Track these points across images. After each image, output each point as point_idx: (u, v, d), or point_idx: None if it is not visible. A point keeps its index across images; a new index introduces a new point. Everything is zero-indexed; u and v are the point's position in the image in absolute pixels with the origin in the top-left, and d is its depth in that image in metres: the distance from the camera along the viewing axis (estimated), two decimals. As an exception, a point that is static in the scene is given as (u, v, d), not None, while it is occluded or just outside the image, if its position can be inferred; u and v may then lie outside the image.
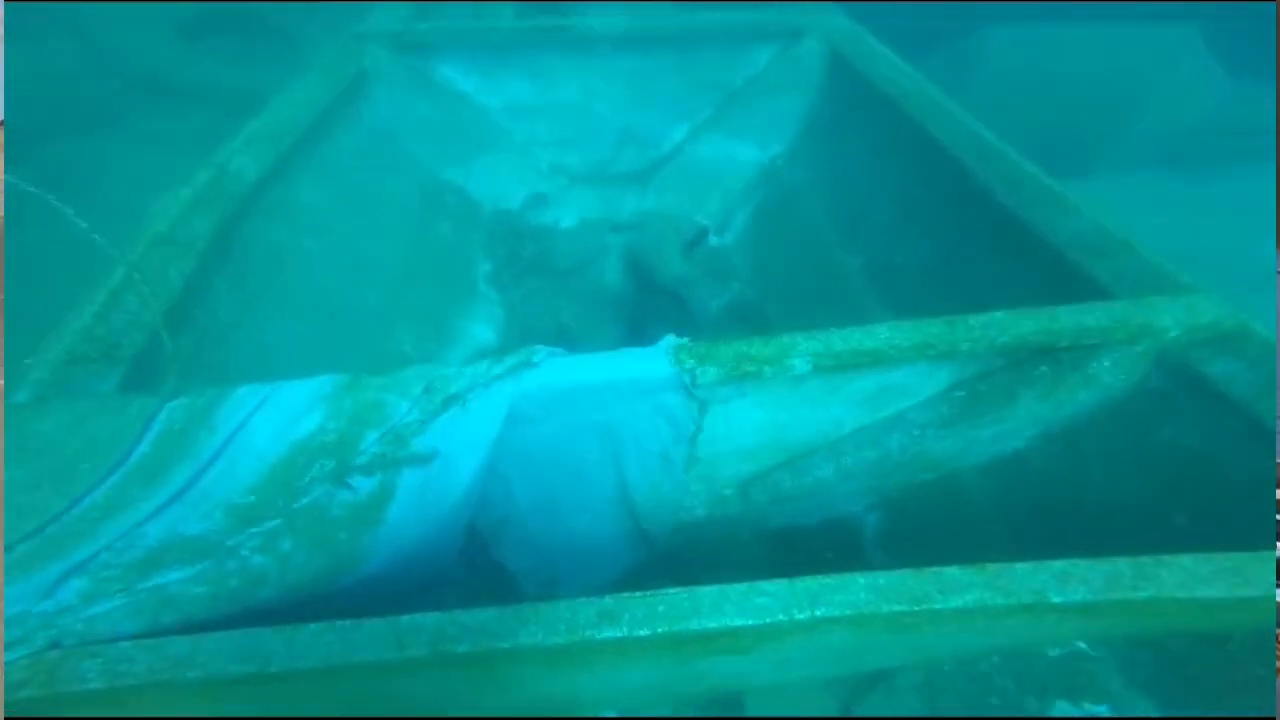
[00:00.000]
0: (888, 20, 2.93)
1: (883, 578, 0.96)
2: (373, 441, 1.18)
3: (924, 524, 1.59)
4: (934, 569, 0.97)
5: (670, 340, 1.33)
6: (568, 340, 2.32)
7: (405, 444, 1.20)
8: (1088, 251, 1.54)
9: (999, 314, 1.32)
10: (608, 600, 0.95)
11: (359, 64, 2.54)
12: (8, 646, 0.83)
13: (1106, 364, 1.35)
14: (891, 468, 1.54)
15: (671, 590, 0.97)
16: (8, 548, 0.93)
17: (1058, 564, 0.95)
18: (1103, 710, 1.27)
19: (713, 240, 2.93)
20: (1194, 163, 3.06)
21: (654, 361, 1.30)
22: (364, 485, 1.17)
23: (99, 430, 1.10)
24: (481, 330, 2.41)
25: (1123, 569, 0.94)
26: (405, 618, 0.90)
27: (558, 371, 1.30)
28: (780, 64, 2.84)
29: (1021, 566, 0.95)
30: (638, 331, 2.32)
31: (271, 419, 1.18)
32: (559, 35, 2.74)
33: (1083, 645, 1.37)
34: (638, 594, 0.96)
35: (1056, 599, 0.92)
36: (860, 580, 0.96)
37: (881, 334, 1.29)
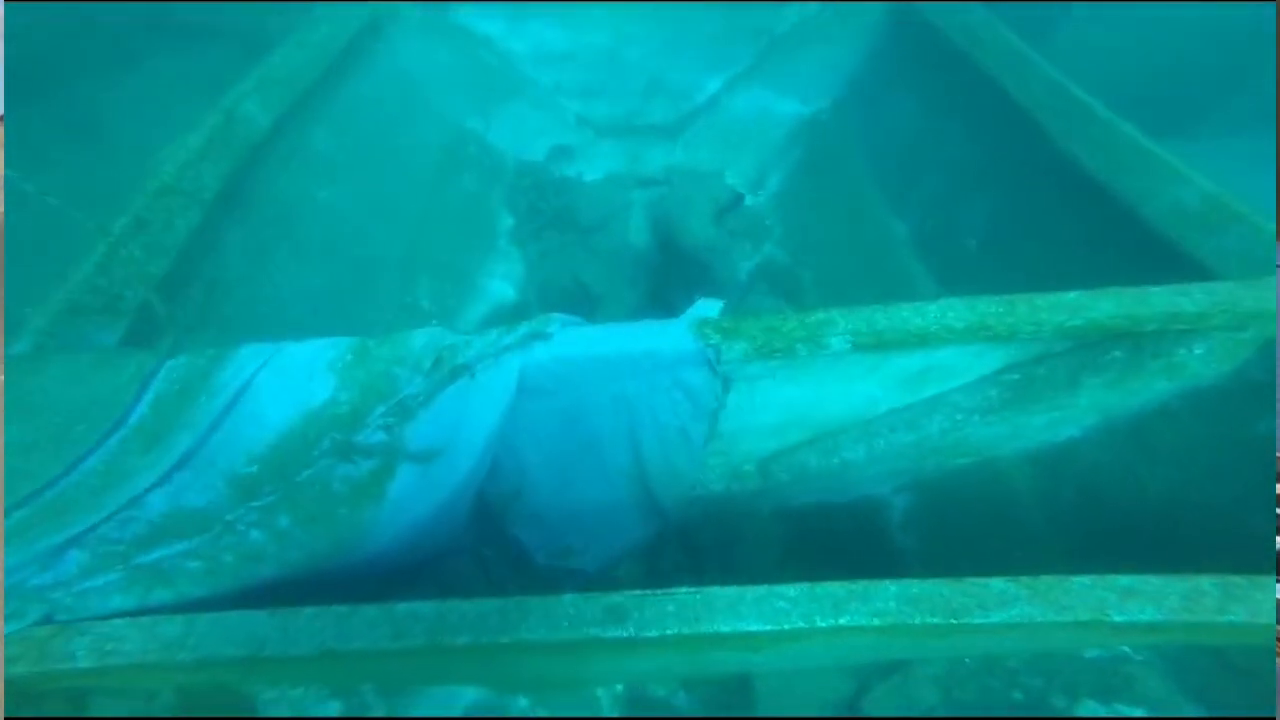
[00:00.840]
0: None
1: (916, 586, 0.89)
2: (379, 414, 1.13)
3: (957, 510, 1.51)
4: (975, 580, 0.88)
5: (695, 311, 1.22)
6: (588, 301, 2.23)
7: (411, 415, 1.15)
8: (1190, 224, 1.37)
9: (1071, 295, 1.16)
10: (615, 597, 0.90)
11: (373, 4, 2.38)
12: (4, 619, 0.81)
13: (1199, 351, 1.21)
14: (927, 451, 1.44)
15: (683, 590, 0.91)
16: (6, 512, 0.91)
17: (1122, 579, 0.85)
18: (1138, 712, 1.20)
19: (746, 199, 2.77)
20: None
21: (675, 335, 1.20)
22: (367, 459, 1.12)
23: (97, 387, 1.06)
24: (500, 286, 2.34)
25: (1207, 588, 0.83)
26: (403, 605, 0.87)
27: (572, 343, 1.21)
28: (835, 7, 2.59)
29: (1079, 581, 0.86)
30: (659, 295, 2.22)
31: (277, 384, 1.13)
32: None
33: (1127, 649, 1.29)
34: (647, 592, 0.91)
35: (1119, 618, 0.82)
36: (891, 588, 0.89)
37: (931, 312, 1.15)
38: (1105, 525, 1.36)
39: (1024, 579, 0.86)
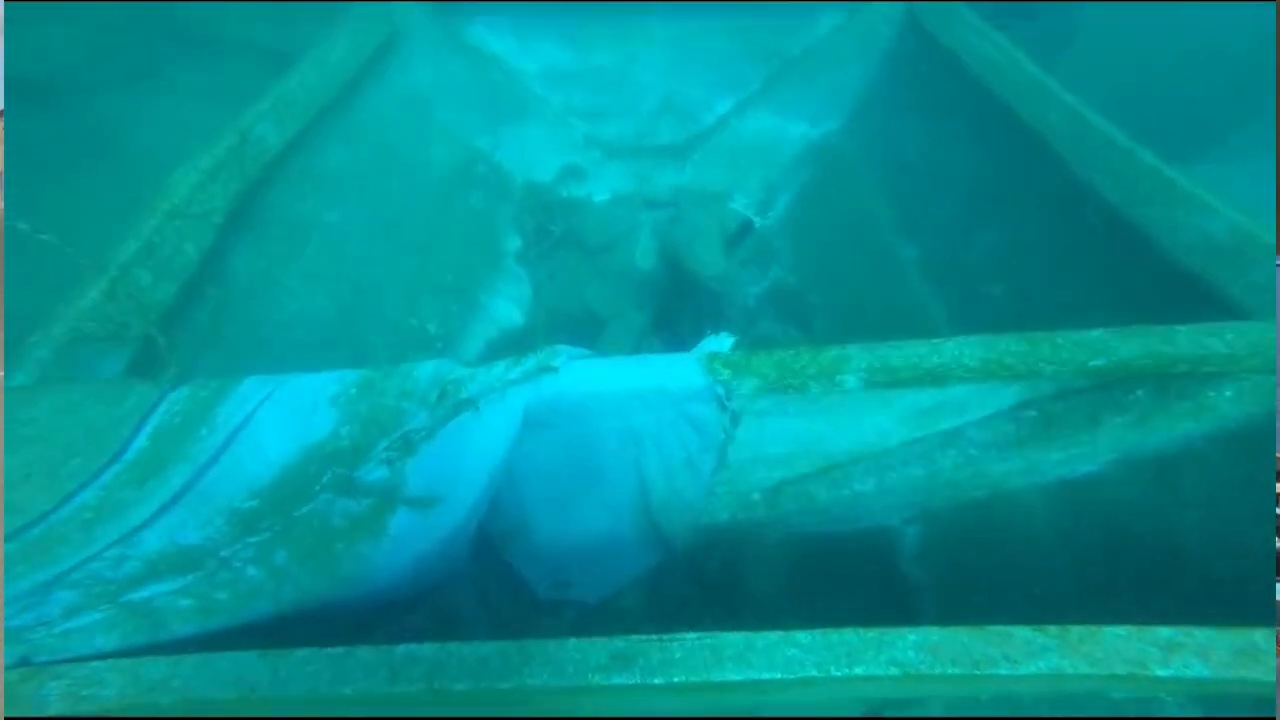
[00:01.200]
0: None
1: (936, 634, 0.84)
2: (381, 449, 1.11)
3: (971, 542, 1.46)
4: (999, 629, 0.83)
5: (705, 346, 1.20)
6: (594, 324, 2.21)
7: (413, 450, 1.13)
8: (1218, 258, 1.32)
9: (1095, 333, 1.12)
10: (619, 642, 0.87)
11: (391, 23, 2.40)
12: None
13: (1229, 394, 1.17)
14: (940, 485, 1.40)
15: (692, 636, 0.88)
16: (-7, 547, 0.88)
17: (1163, 631, 0.79)
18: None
19: (755, 225, 2.76)
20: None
21: (685, 370, 1.18)
22: (368, 494, 1.09)
23: (94, 420, 1.04)
24: (506, 309, 2.32)
25: (1261, 644, 0.77)
26: (400, 648, 0.84)
27: (579, 377, 1.19)
28: (847, 30, 2.59)
29: (1113, 632, 0.80)
30: (666, 320, 2.20)
31: (279, 417, 1.11)
32: (603, -2, 2.54)
33: (1164, 697, 1.23)
34: (653, 638, 0.87)
35: (1161, 673, 0.77)
36: (909, 636, 0.85)
37: (948, 350, 1.13)
38: (1132, 566, 1.31)
39: (1052, 629, 0.82)
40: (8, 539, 0.89)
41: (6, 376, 1.13)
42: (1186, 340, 1.10)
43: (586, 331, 2.18)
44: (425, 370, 1.17)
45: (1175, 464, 1.26)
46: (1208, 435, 1.22)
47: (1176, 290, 1.37)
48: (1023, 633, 0.82)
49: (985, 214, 1.97)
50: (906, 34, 2.46)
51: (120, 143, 3.27)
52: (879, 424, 1.38)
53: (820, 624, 1.55)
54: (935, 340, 1.13)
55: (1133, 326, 1.13)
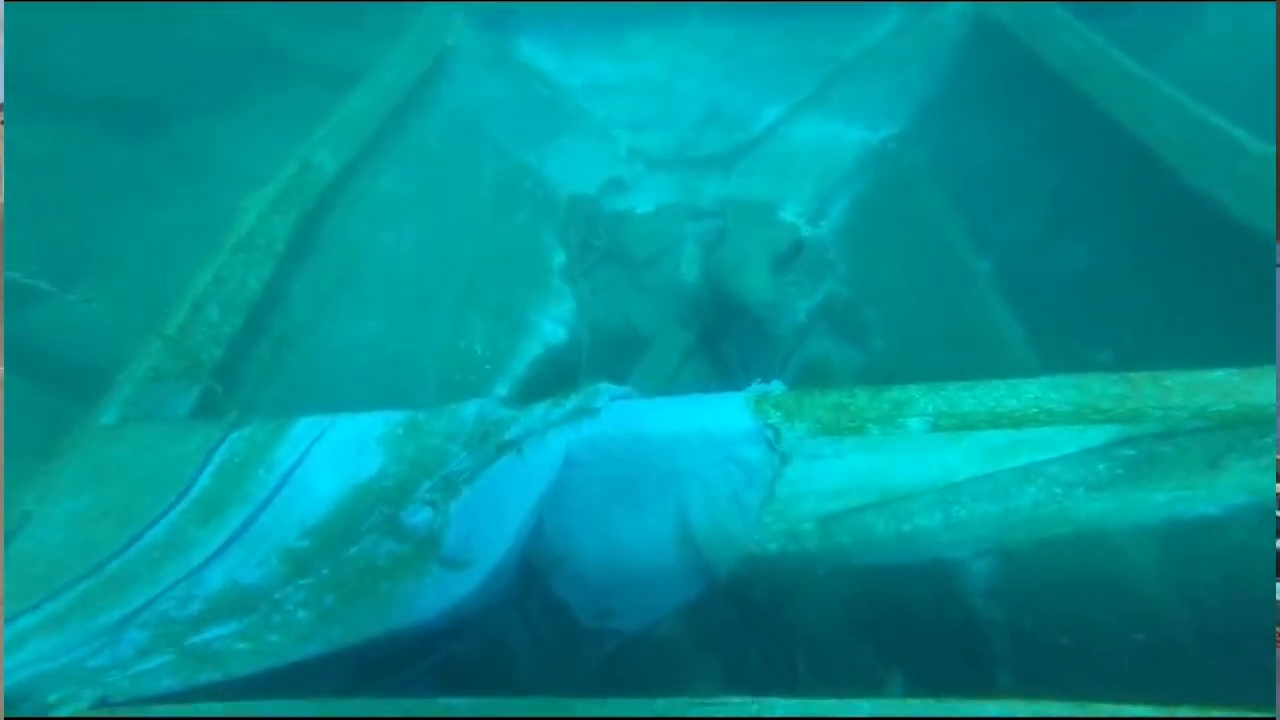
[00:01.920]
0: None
1: (1024, 708, 0.75)
2: (426, 489, 1.13)
3: (1054, 582, 1.30)
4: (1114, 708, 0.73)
5: (753, 390, 1.15)
6: (637, 343, 2.18)
7: (456, 492, 1.14)
8: None
9: (1219, 374, 0.98)
10: (660, 704, 0.84)
11: (443, 41, 2.44)
12: (54, 705, 0.84)
13: None
14: (1016, 523, 1.27)
15: (737, 700, 0.84)
16: (69, 585, 0.94)
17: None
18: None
19: (805, 232, 2.66)
20: None
21: (731, 412, 1.14)
22: (413, 533, 1.12)
23: (165, 459, 1.10)
24: (552, 327, 2.33)
25: None
26: (439, 701, 0.84)
27: (621, 419, 1.18)
28: (910, 31, 2.45)
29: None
30: (711, 340, 2.15)
31: (330, 457, 1.15)
32: (647, 4, 2.49)
33: None
34: (696, 700, 0.85)
35: None
36: (989, 708, 0.76)
37: (1029, 393, 1.01)
38: (1262, 618, 1.14)
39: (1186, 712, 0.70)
40: (85, 575, 0.96)
41: (100, 414, 1.21)
42: None
43: (631, 349, 2.16)
44: (469, 411, 1.19)
45: None
46: None
47: None
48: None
49: (1072, 225, 1.81)
50: (979, 34, 2.30)
51: (208, 165, 3.50)
52: (945, 460, 1.27)
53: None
54: (1014, 380, 1.01)
55: (1267, 366, 0.97)
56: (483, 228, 2.43)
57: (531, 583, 1.43)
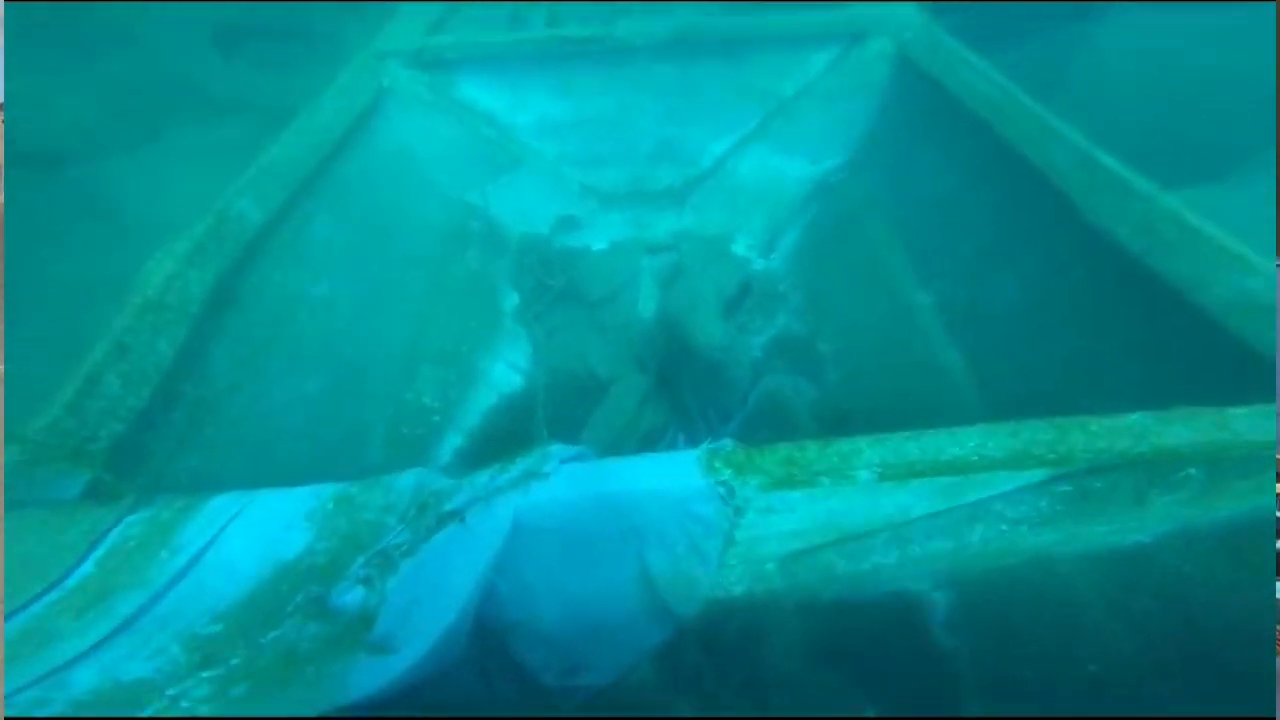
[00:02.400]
0: (964, 12, 2.56)
1: None
2: (359, 566, 1.04)
3: (1011, 610, 1.34)
4: None
5: (704, 447, 1.13)
6: (595, 387, 2.12)
7: (393, 567, 1.06)
8: (1258, 321, 1.21)
9: (1134, 417, 1.04)
10: None
11: (377, 84, 2.36)
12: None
13: None
14: (970, 558, 1.29)
15: None
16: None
17: None
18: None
19: (757, 265, 2.67)
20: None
21: (683, 471, 1.12)
22: (341, 614, 1.02)
23: (39, 548, 0.98)
24: (506, 374, 2.24)
25: None
26: None
27: (572, 482, 1.12)
28: (840, 69, 2.53)
29: None
30: (669, 382, 2.11)
31: (250, 534, 1.05)
32: (593, 47, 2.49)
33: None
34: None
35: None
36: None
37: (970, 441, 1.07)
38: (1203, 643, 1.19)
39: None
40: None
41: None
42: (1244, 425, 1.01)
43: (589, 394, 2.10)
44: (407, 482, 1.11)
45: (1243, 542, 1.14)
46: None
47: (1214, 349, 1.26)
48: None
49: (1002, 260, 1.86)
50: (901, 71, 2.39)
51: (118, 208, 3.29)
52: (898, 500, 1.29)
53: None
54: (955, 430, 1.07)
55: (1177, 409, 1.04)
56: (428, 273, 2.33)
57: (489, 645, 1.35)
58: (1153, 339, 1.40)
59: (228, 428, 1.49)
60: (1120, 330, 1.50)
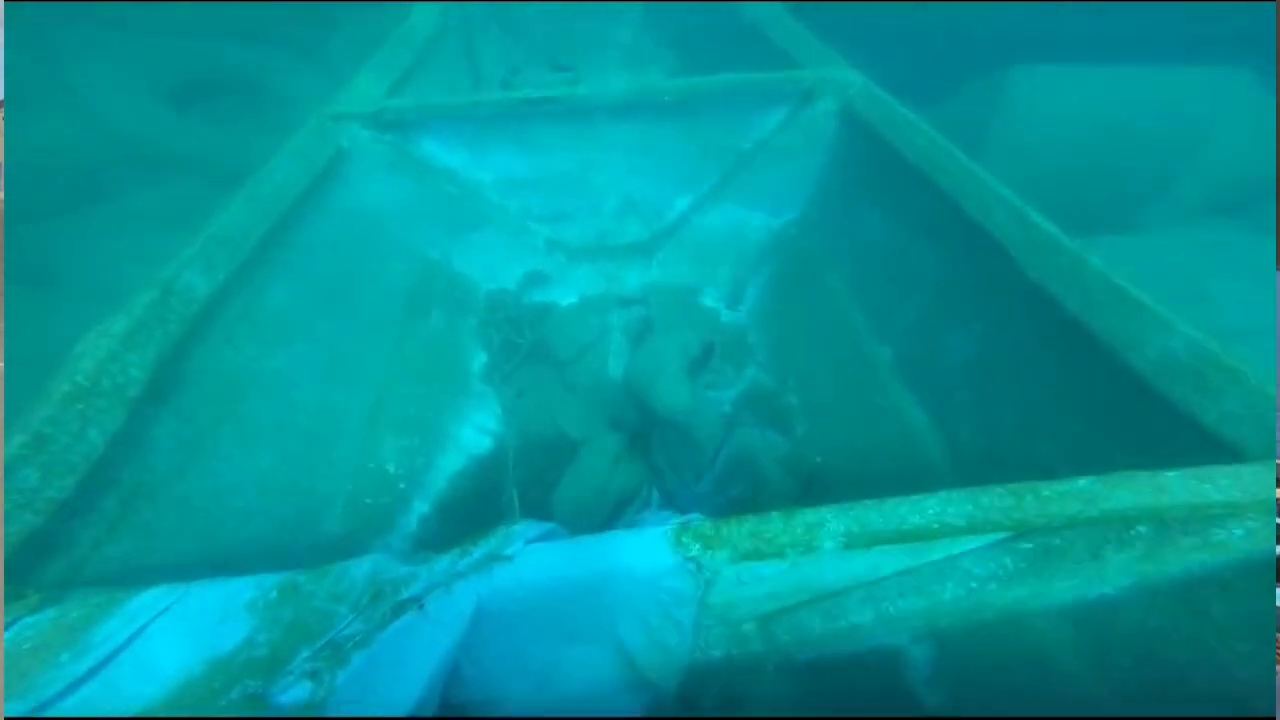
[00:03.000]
0: (901, 66, 2.71)
1: None
2: (305, 658, 0.97)
3: (988, 664, 1.35)
4: None
5: (671, 524, 1.11)
6: (566, 449, 2.08)
7: (345, 660, 0.98)
8: (1184, 382, 1.28)
9: (1082, 483, 1.10)
10: None
11: (335, 146, 2.33)
12: None
13: (1239, 533, 1.11)
14: (942, 614, 1.31)
15: None
16: None
17: None
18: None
19: (725, 316, 2.70)
20: (1257, 213, 2.76)
21: (651, 549, 1.10)
22: (284, 711, 0.94)
23: None
24: (475, 437, 2.18)
25: None
26: None
27: (536, 564, 1.08)
28: (791, 127, 2.63)
29: None
30: (642, 440, 2.08)
31: (179, 629, 0.97)
32: (551, 108, 2.54)
33: None
34: None
35: None
36: None
37: (930, 509, 1.10)
38: (1177, 692, 1.21)
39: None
40: None
41: None
42: (1179, 487, 1.08)
43: (560, 455, 2.05)
44: (360, 569, 1.04)
45: (1198, 593, 1.17)
46: (1229, 566, 1.13)
47: (1145, 407, 1.33)
48: None
49: (949, 315, 1.90)
50: (849, 129, 2.48)
51: (61, 273, 3.15)
52: (868, 560, 1.30)
53: None
54: (916, 497, 1.10)
55: (1120, 474, 1.10)
56: (392, 337, 2.28)
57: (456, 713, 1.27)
58: (1099, 398, 1.45)
59: (170, 511, 1.40)
60: (1062, 384, 1.54)
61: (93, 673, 0.90)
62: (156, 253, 1.64)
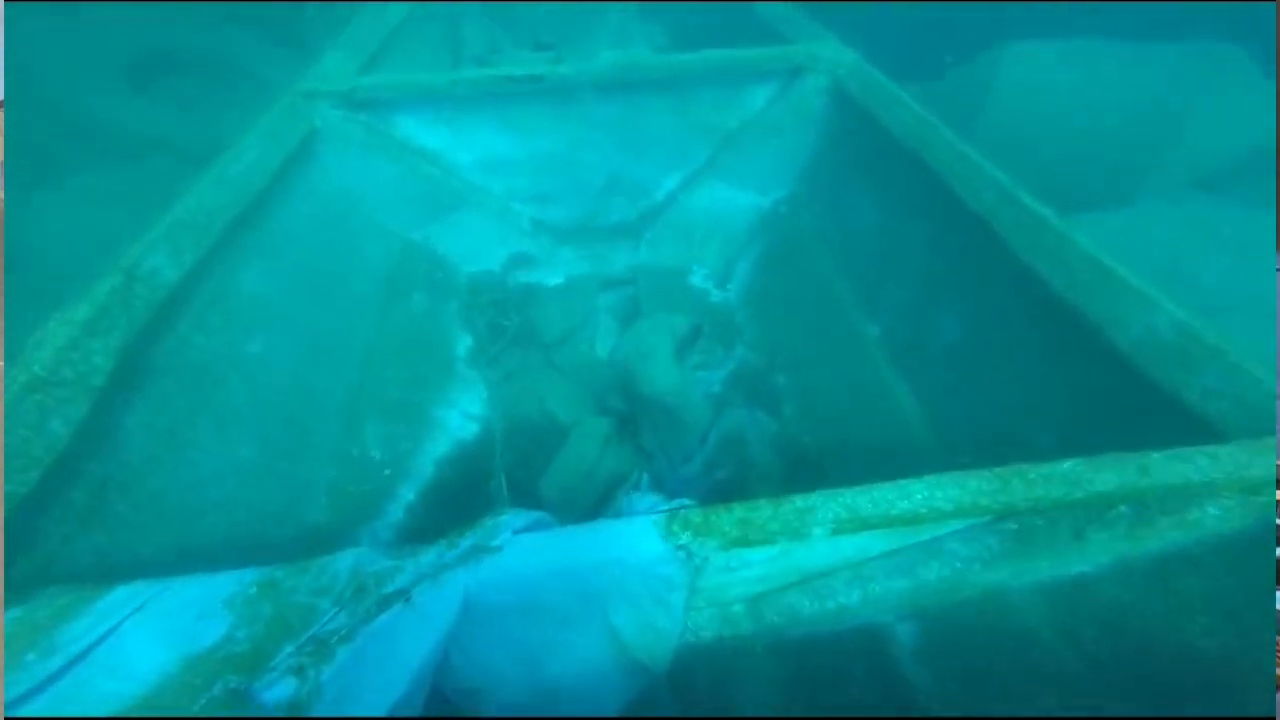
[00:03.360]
0: (891, 41, 2.66)
1: None
2: (289, 654, 0.94)
3: (971, 642, 1.38)
4: None
5: (661, 511, 1.10)
6: (554, 433, 2.05)
7: (329, 655, 0.96)
8: (1167, 360, 1.29)
9: (1067, 465, 1.11)
10: None
11: (308, 126, 2.24)
12: None
13: (1214, 512, 1.13)
14: (928, 594, 1.35)
15: None
16: None
17: None
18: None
19: (714, 296, 2.67)
20: (1243, 189, 2.77)
21: (641, 537, 1.09)
22: (267, 708, 0.92)
23: None
24: (460, 421, 2.14)
25: None
26: None
27: (525, 555, 1.06)
28: (780, 104, 2.58)
29: None
30: (630, 423, 2.05)
31: (154, 627, 0.94)
32: (535, 85, 2.46)
33: None
34: None
35: None
36: None
37: (918, 494, 1.11)
38: (1144, 668, 1.25)
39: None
40: None
41: None
42: (1161, 469, 1.10)
43: (548, 439, 2.03)
44: (343, 563, 1.02)
45: (1174, 571, 1.22)
46: (1201, 543, 1.18)
47: (1128, 385, 1.34)
48: None
49: (936, 293, 1.90)
50: (838, 106, 2.44)
51: (16, 257, 3.01)
52: (856, 542, 1.31)
53: None
54: (903, 482, 1.11)
55: (1104, 456, 1.12)
56: (373, 317, 2.22)
57: (446, 707, 1.26)
58: (1084, 377, 1.46)
59: (144, 503, 1.35)
60: (1048, 363, 1.55)
61: (62, 672, 0.88)
62: (113, 239, 1.55)
